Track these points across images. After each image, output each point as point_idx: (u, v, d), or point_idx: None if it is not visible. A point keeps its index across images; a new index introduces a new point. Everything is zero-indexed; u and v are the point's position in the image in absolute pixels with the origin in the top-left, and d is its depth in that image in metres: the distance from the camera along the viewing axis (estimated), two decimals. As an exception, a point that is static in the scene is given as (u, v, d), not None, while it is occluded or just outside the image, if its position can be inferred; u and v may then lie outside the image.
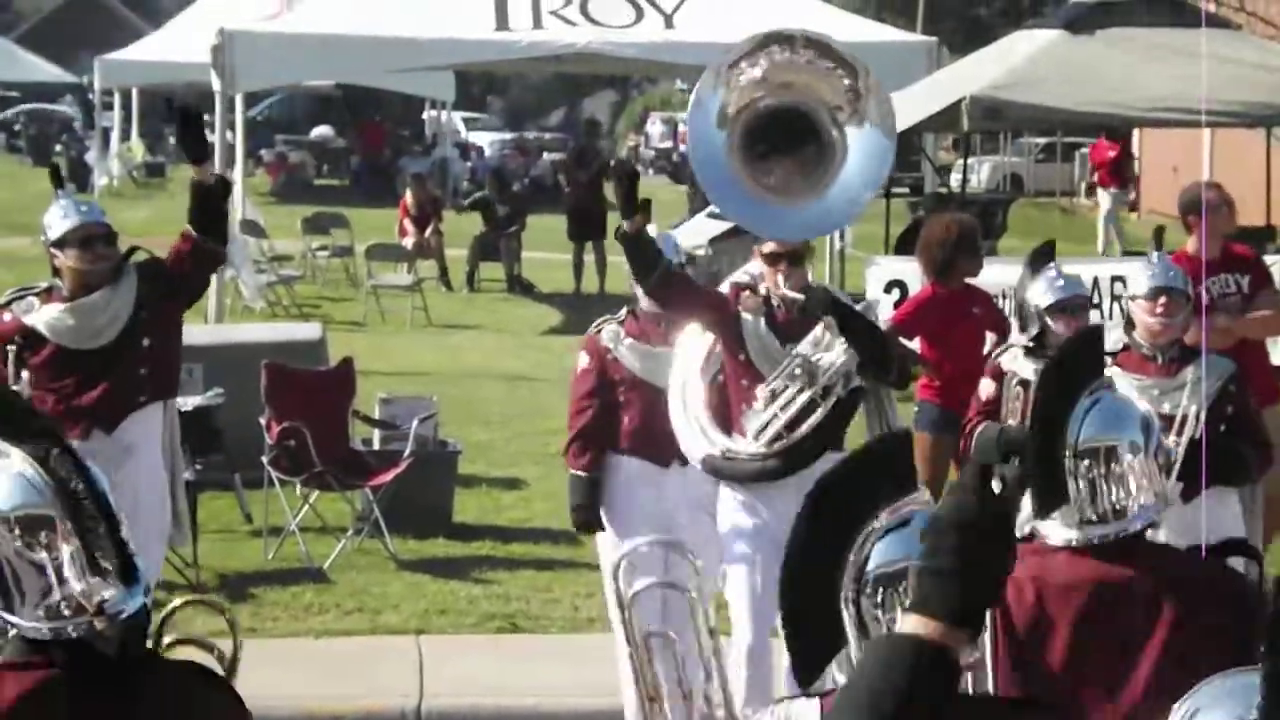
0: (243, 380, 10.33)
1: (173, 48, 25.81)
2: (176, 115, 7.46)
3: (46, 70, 43.06)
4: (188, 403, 10.25)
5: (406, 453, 10.21)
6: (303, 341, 11.95)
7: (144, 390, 7.36)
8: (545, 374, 15.37)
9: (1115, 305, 12.86)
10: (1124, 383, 6.83)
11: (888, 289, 13.86)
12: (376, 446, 10.77)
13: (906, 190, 25.37)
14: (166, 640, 3.52)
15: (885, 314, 13.53)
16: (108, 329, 7.27)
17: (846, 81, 6.55)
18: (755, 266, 7.05)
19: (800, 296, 6.72)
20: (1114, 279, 13.19)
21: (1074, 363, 4.10)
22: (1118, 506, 4.08)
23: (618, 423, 7.15)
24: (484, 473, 11.81)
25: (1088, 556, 4.09)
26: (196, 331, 13.62)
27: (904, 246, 16.57)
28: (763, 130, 6.55)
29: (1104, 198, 26.40)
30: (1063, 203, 37.29)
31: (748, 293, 6.85)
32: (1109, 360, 6.91)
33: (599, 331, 7.21)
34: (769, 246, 6.79)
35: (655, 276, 6.70)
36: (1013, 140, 37.54)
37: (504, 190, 24.00)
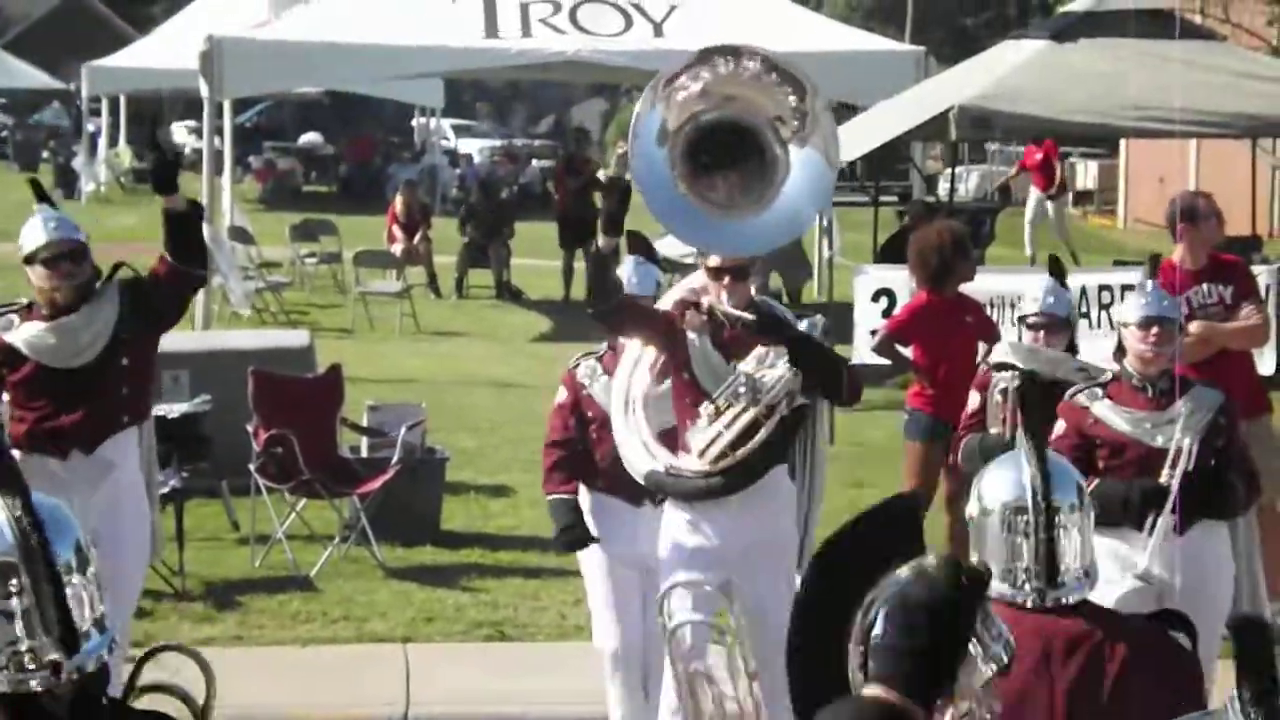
0: (230, 387, 10.33)
1: (161, 54, 25.79)
2: (153, 148, 7.38)
3: (34, 77, 42.92)
4: (174, 409, 10.25)
5: (394, 460, 10.21)
6: (290, 348, 11.94)
7: (125, 410, 7.19)
8: (534, 381, 15.36)
9: (1104, 314, 12.88)
10: (1116, 417, 6.84)
11: (875, 297, 13.88)
12: (364, 454, 10.77)
13: (895, 199, 25.41)
14: (140, 684, 3.48)
15: (873, 323, 13.60)
16: (89, 348, 7.09)
17: (793, 100, 6.53)
18: (697, 281, 7.01)
19: (746, 315, 6.63)
20: (1101, 288, 13.21)
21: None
22: (1058, 570, 4.18)
23: (591, 461, 7.15)
24: (472, 480, 11.80)
25: (1028, 613, 4.18)
26: (183, 338, 13.61)
27: (888, 255, 16.60)
28: (705, 143, 6.51)
29: (1032, 200, 26.22)
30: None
31: (692, 310, 6.78)
32: (1098, 392, 6.91)
33: (577, 366, 7.22)
34: (713, 261, 6.70)
35: (607, 307, 6.69)
36: (1001, 150, 37.57)
37: (492, 198, 24.00)
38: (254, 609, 9.20)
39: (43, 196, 7.33)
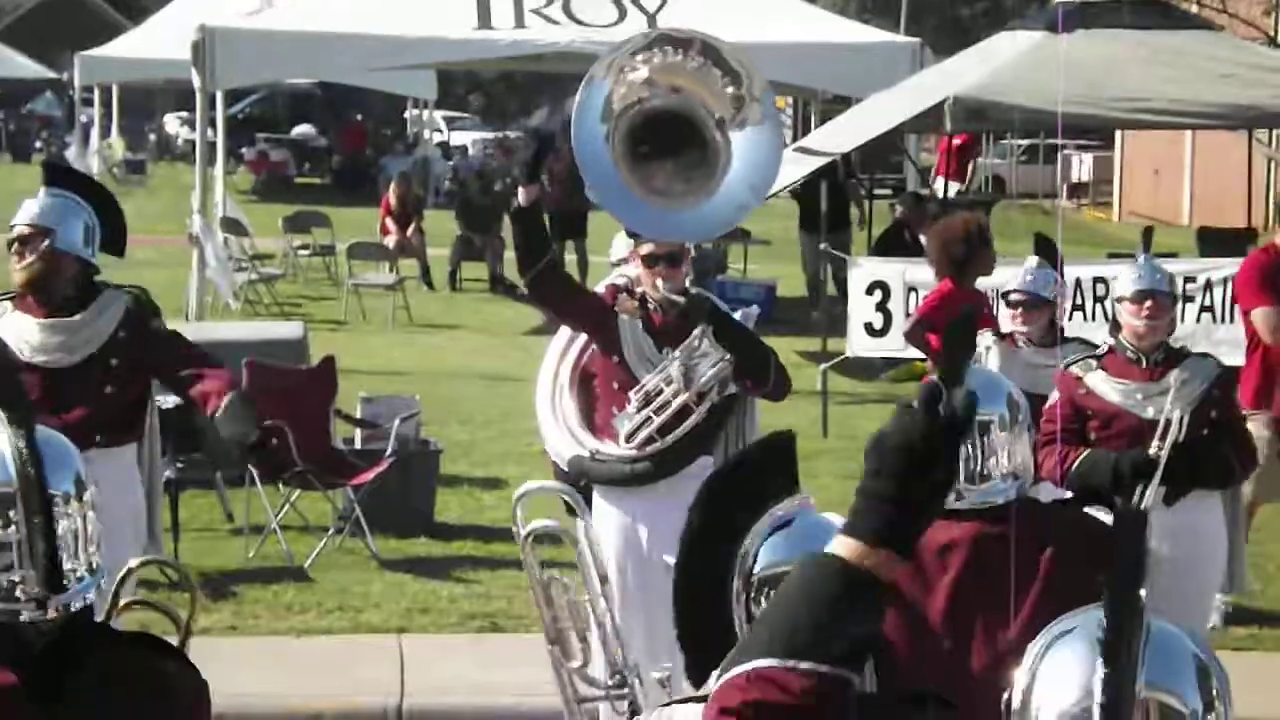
0: (224, 378, 10.28)
1: (153, 44, 25.72)
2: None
3: (26, 66, 42.86)
4: (168, 400, 10.22)
5: (388, 452, 10.19)
6: (284, 340, 11.92)
7: (99, 429, 6.76)
8: (528, 374, 15.25)
9: (1098, 306, 12.87)
10: (1108, 387, 6.85)
11: (869, 290, 13.86)
12: (358, 446, 10.75)
13: (889, 192, 25.39)
14: (123, 601, 3.48)
15: (867, 316, 13.60)
16: (74, 350, 6.85)
17: (731, 89, 6.51)
18: (632, 269, 6.99)
19: (680, 300, 6.66)
20: (1096, 280, 13.21)
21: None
22: (983, 473, 4.43)
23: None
24: (466, 472, 11.79)
25: (959, 520, 4.38)
26: (177, 329, 13.60)
27: (884, 248, 16.59)
28: (644, 132, 6.50)
29: (938, 188, 25.69)
30: (1045, 204, 37.35)
31: (624, 295, 6.80)
32: (1093, 364, 6.93)
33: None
34: (646, 248, 6.71)
35: (538, 268, 6.69)
36: (995, 142, 37.59)
37: (485, 190, 23.99)
38: (248, 599, 9.18)
39: (52, 180, 7.05)
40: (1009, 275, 13.19)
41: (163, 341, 7.01)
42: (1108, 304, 12.58)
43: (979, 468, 4.44)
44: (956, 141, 23.71)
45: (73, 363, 6.83)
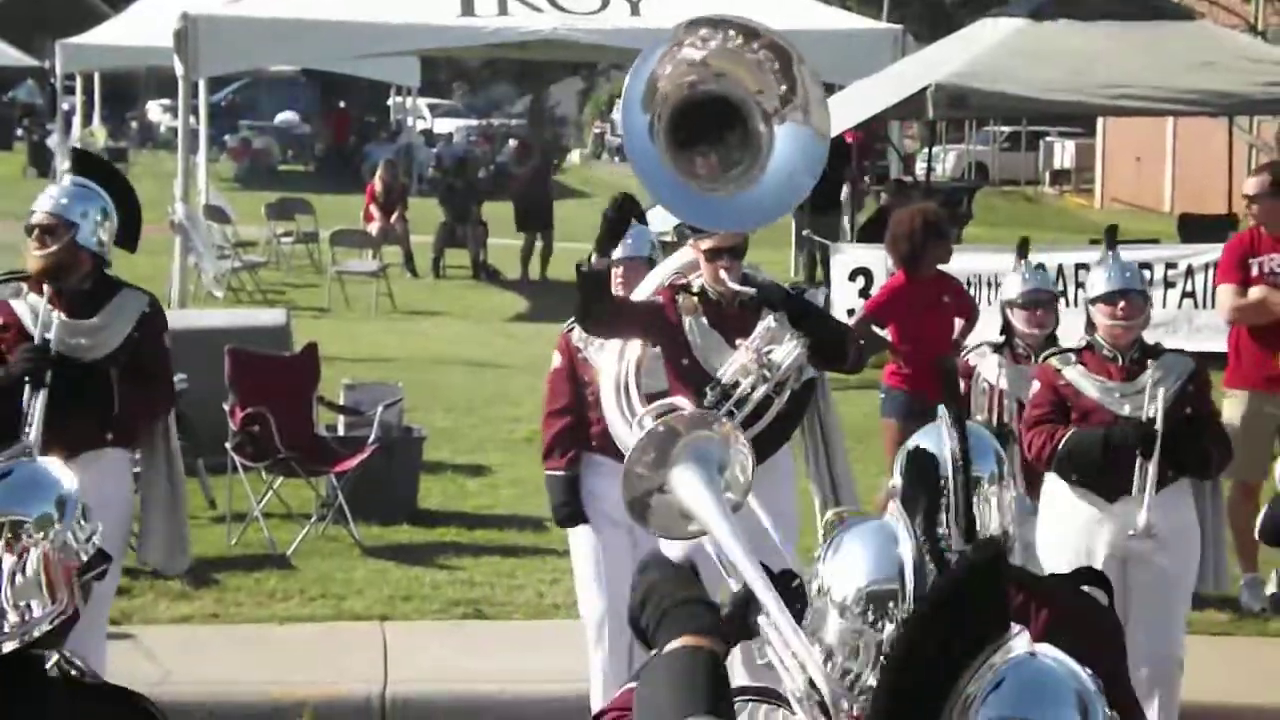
0: (206, 366, 10.29)
1: (135, 32, 25.64)
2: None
3: (7, 54, 42.75)
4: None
5: (371, 439, 10.19)
6: (267, 327, 11.91)
7: (109, 427, 6.82)
8: (511, 360, 15.37)
9: (1080, 292, 12.89)
10: (1086, 383, 6.89)
11: (852, 276, 13.89)
12: (341, 432, 10.75)
13: (872, 179, 25.39)
14: None
15: (850, 302, 13.61)
16: (92, 348, 6.81)
17: (779, 72, 6.47)
18: (678, 261, 6.94)
19: (751, 290, 6.60)
20: (1078, 266, 13.24)
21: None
22: (974, 533, 4.24)
23: (588, 423, 7.10)
24: (449, 459, 11.79)
25: None
26: (160, 317, 13.59)
27: (869, 234, 16.62)
28: (686, 119, 6.45)
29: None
30: (1027, 191, 37.41)
31: (683, 295, 6.74)
32: (1071, 358, 6.96)
33: (570, 330, 7.07)
34: (708, 242, 6.64)
35: (599, 320, 6.63)
36: (978, 129, 37.64)
37: (467, 178, 24.00)
38: (231, 587, 9.18)
39: (81, 169, 7.02)
40: (993, 262, 13.29)
41: (159, 356, 6.99)
42: (1085, 305, 12.63)
43: (971, 530, 4.26)
44: (848, 140, 22.85)
45: (91, 359, 6.81)
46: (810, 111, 6.48)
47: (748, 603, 3.31)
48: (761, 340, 6.58)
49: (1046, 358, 7.05)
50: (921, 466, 4.14)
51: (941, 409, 4.36)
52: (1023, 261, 7.92)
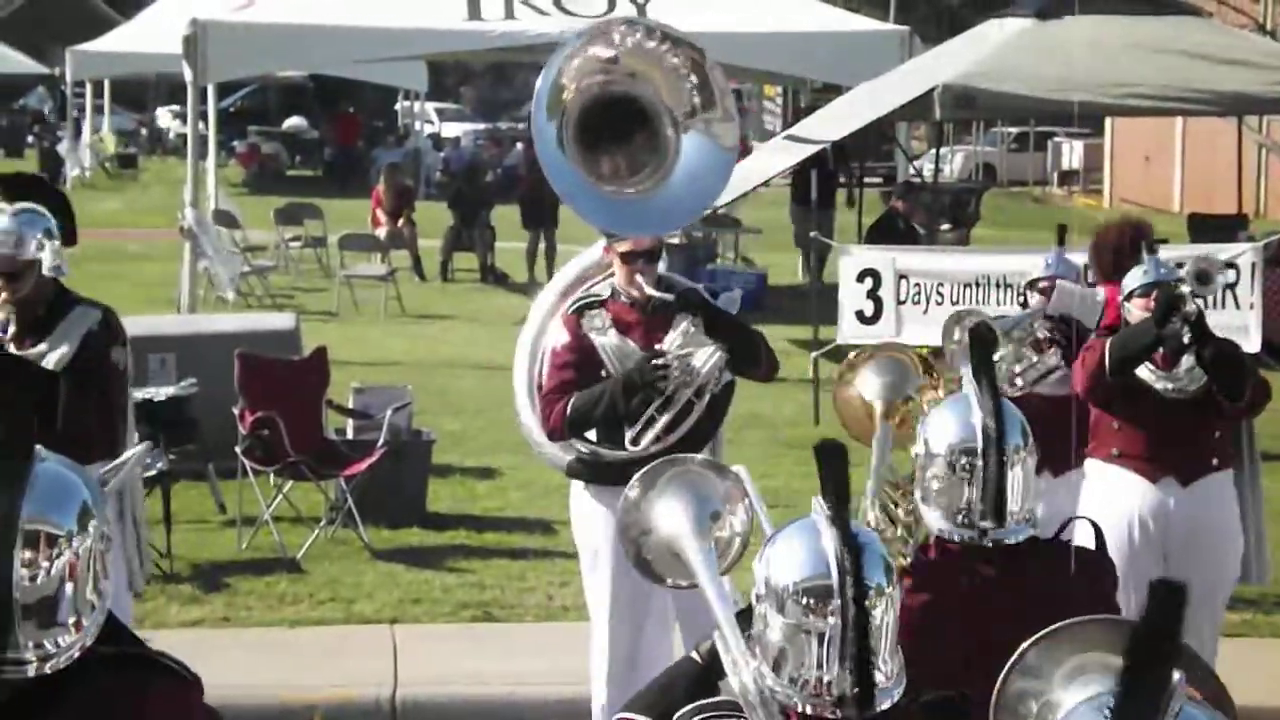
0: (216, 370, 10.32)
1: (144, 39, 25.72)
2: None
3: (18, 61, 42.83)
4: (161, 393, 10.25)
5: (380, 442, 10.20)
6: (276, 331, 11.92)
7: (69, 432, 6.44)
8: (519, 364, 15.36)
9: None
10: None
11: (860, 278, 13.86)
12: (350, 436, 10.77)
13: (880, 180, 25.41)
14: None
15: (858, 304, 13.61)
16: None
17: (692, 76, 6.42)
18: (578, 266, 6.90)
19: (665, 295, 6.54)
20: (1086, 267, 13.20)
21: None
22: (1007, 511, 4.33)
23: None
24: (458, 462, 11.80)
25: (984, 559, 4.34)
26: (169, 322, 13.60)
27: (876, 236, 16.60)
28: (594, 119, 6.40)
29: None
30: (1035, 192, 37.39)
31: (587, 313, 6.69)
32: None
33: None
34: (624, 245, 6.59)
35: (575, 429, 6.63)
36: (985, 130, 37.61)
37: (474, 181, 24.03)
38: (241, 591, 9.20)
39: (17, 194, 6.82)
40: (1002, 262, 13.26)
41: (107, 375, 6.84)
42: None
43: (1002, 505, 4.32)
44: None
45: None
46: (716, 123, 6.44)
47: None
48: (679, 344, 6.55)
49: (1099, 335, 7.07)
50: (983, 340, 4.39)
51: (969, 376, 4.37)
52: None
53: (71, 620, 3.07)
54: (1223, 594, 7.07)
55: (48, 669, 3.04)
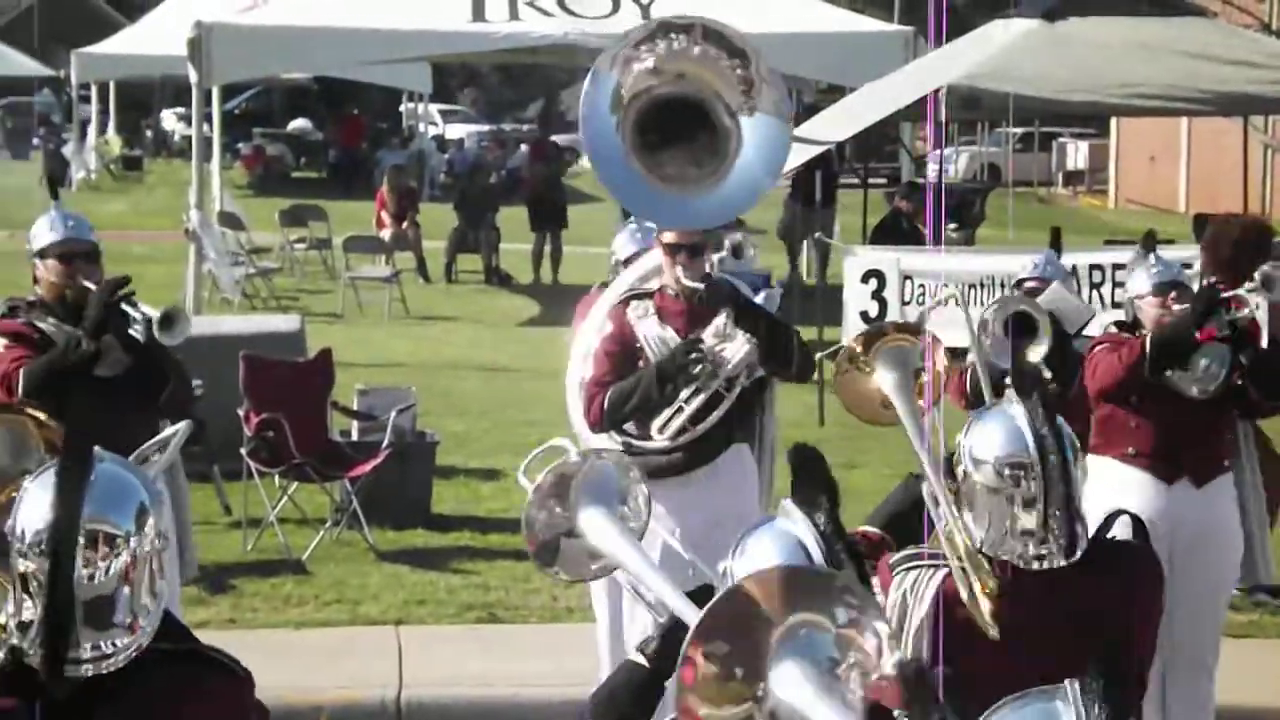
0: (221, 372, 10.31)
1: (149, 41, 25.74)
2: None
3: (24, 64, 42.87)
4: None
5: (385, 444, 10.21)
6: (281, 333, 11.92)
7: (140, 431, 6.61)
8: (523, 365, 15.37)
9: (1095, 293, 12.87)
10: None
11: (865, 279, 13.86)
12: (355, 438, 10.76)
13: (884, 180, 25.40)
14: None
15: (863, 304, 13.60)
16: (118, 362, 6.69)
17: (740, 71, 6.47)
18: (640, 269, 6.91)
19: (697, 286, 6.60)
20: (1092, 268, 13.20)
21: None
22: (1067, 518, 4.21)
23: None
24: (463, 464, 11.80)
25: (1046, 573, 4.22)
26: (174, 324, 13.59)
27: (881, 236, 16.60)
28: (653, 119, 6.46)
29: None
30: (1040, 192, 37.37)
31: (634, 303, 6.74)
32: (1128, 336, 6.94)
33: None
34: (669, 236, 6.65)
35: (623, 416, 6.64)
36: (990, 130, 37.59)
37: (479, 183, 24.04)
38: (246, 592, 9.20)
39: (56, 193, 7.09)
40: (1006, 263, 13.26)
41: (170, 357, 6.95)
42: (1104, 290, 12.60)
43: (1072, 519, 4.20)
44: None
45: (122, 374, 6.68)
46: (770, 102, 6.47)
47: (675, 630, 3.36)
48: (713, 337, 6.59)
49: (1108, 328, 7.05)
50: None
51: (1013, 393, 4.26)
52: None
53: (128, 621, 3.12)
54: (1224, 594, 7.06)
55: (104, 669, 3.08)
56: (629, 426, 6.70)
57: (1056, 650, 4.02)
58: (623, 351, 6.75)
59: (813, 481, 3.37)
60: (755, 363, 6.62)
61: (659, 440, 6.60)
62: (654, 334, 6.69)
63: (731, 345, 6.59)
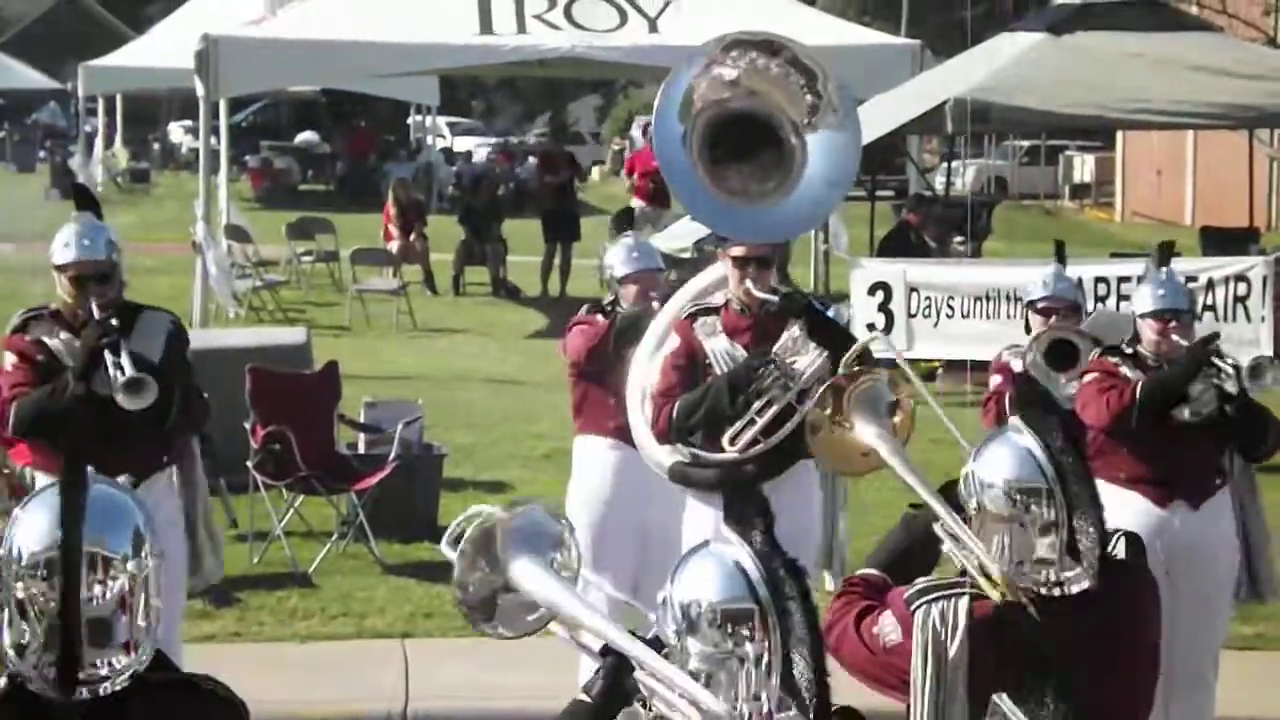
0: (227, 385, 10.30)
1: (157, 54, 25.80)
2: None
3: (31, 77, 42.96)
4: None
5: (392, 456, 10.21)
6: (287, 346, 11.93)
7: (163, 450, 6.87)
8: (531, 377, 15.38)
9: (1100, 306, 12.88)
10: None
11: (871, 291, 13.88)
12: (362, 450, 10.77)
13: (891, 193, 25.40)
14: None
15: (869, 316, 13.61)
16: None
17: (808, 89, 6.49)
18: (704, 280, 6.93)
19: (773, 298, 6.62)
20: (1097, 280, 13.21)
21: None
22: (1078, 549, 4.15)
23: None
24: (469, 476, 11.80)
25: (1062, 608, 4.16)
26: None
27: (888, 249, 16.60)
28: (720, 135, 6.49)
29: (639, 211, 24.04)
30: (1046, 205, 37.37)
31: (701, 319, 6.74)
32: (1129, 360, 6.94)
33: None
34: (737, 250, 6.68)
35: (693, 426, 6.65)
36: (997, 143, 37.60)
37: (486, 195, 24.06)
38: (253, 605, 9.20)
39: (85, 204, 6.92)
40: (1012, 275, 13.25)
41: (190, 370, 7.00)
42: (1108, 303, 12.60)
43: (1074, 543, 4.11)
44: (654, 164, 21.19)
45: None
46: (837, 118, 6.51)
47: (619, 668, 3.36)
48: (785, 349, 6.59)
49: (1104, 352, 7.04)
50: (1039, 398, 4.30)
51: (1022, 422, 4.18)
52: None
53: (125, 642, 3.13)
54: (1223, 610, 7.04)
55: (106, 689, 3.09)
56: (695, 439, 6.69)
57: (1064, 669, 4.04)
58: (690, 365, 6.76)
59: (746, 504, 3.38)
60: (826, 377, 6.59)
61: (730, 452, 6.59)
62: (722, 349, 6.70)
63: (804, 358, 6.57)
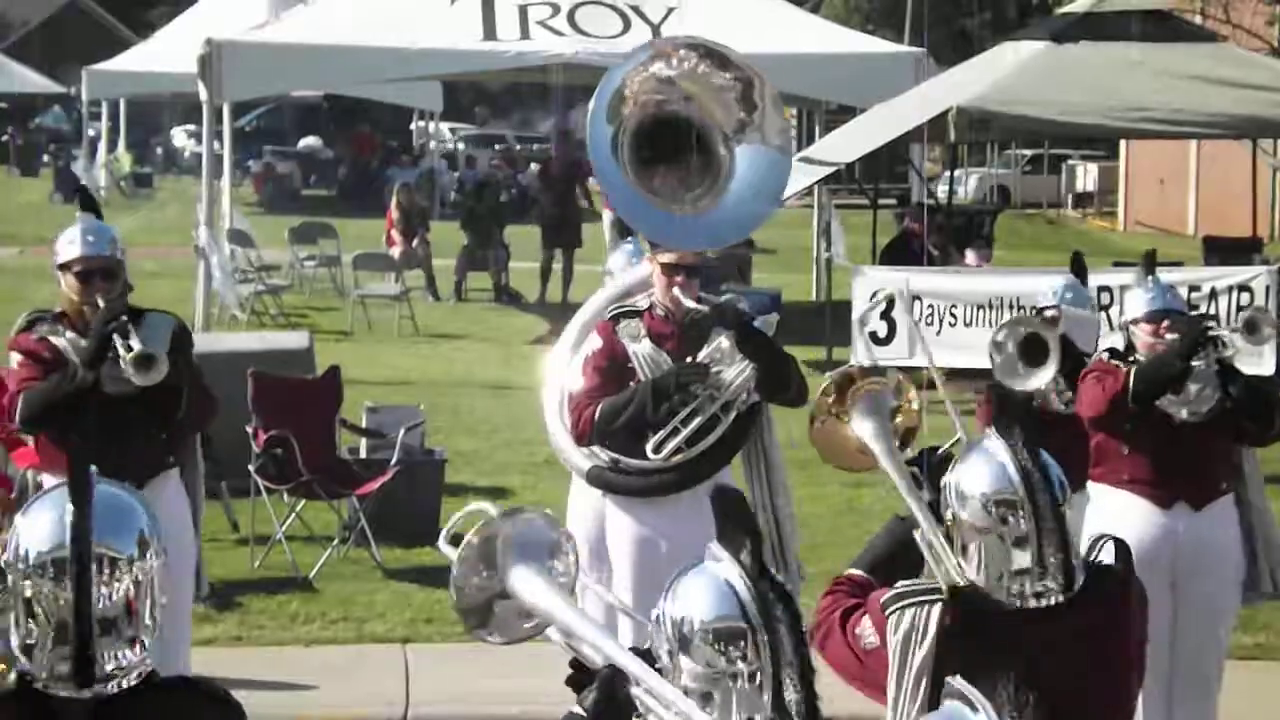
0: (229, 389, 10.27)
1: (160, 58, 25.80)
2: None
3: (34, 81, 42.98)
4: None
5: (393, 461, 10.21)
6: (290, 350, 11.93)
7: (166, 450, 6.87)
8: (532, 383, 15.29)
9: (1104, 315, 12.88)
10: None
11: (874, 299, 13.87)
12: (363, 455, 10.77)
13: (894, 201, 25.42)
14: None
15: (871, 325, 13.61)
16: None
17: (740, 98, 6.45)
18: (625, 281, 6.93)
19: (701, 308, 6.58)
20: (1100, 289, 13.21)
21: None
22: (1066, 560, 4.17)
23: None
24: (471, 481, 11.80)
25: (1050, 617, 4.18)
26: (183, 341, 13.61)
27: (891, 257, 16.62)
28: (648, 137, 6.45)
29: (606, 221, 23.85)
30: (1049, 214, 37.37)
31: (623, 320, 6.72)
32: (1120, 365, 6.92)
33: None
34: (666, 256, 6.63)
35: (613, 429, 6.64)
36: (1000, 152, 37.58)
37: (488, 201, 24.06)
38: (254, 609, 9.20)
39: (88, 205, 6.96)
40: (1015, 284, 13.27)
41: (197, 371, 7.00)
42: (1112, 312, 12.60)
43: (1061, 554, 4.15)
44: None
45: (135, 391, 6.63)
46: (769, 133, 6.47)
47: (613, 680, 3.35)
48: (712, 359, 6.57)
49: (1100, 355, 7.04)
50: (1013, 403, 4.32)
51: (994, 431, 4.21)
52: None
53: (132, 637, 3.15)
54: (1228, 616, 7.03)
55: (110, 689, 3.11)
56: (615, 445, 6.68)
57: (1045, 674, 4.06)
58: (613, 367, 6.73)
59: (736, 524, 3.40)
60: (752, 387, 6.59)
61: (653, 460, 6.58)
62: (647, 353, 6.68)
63: (731, 369, 6.56)
